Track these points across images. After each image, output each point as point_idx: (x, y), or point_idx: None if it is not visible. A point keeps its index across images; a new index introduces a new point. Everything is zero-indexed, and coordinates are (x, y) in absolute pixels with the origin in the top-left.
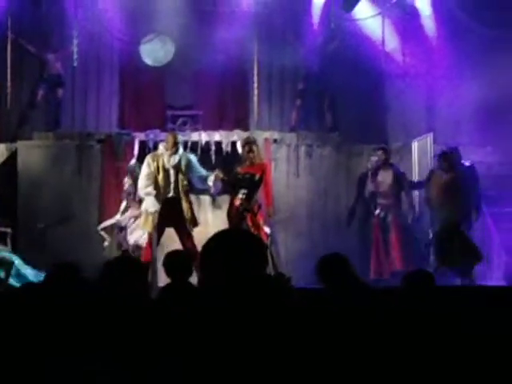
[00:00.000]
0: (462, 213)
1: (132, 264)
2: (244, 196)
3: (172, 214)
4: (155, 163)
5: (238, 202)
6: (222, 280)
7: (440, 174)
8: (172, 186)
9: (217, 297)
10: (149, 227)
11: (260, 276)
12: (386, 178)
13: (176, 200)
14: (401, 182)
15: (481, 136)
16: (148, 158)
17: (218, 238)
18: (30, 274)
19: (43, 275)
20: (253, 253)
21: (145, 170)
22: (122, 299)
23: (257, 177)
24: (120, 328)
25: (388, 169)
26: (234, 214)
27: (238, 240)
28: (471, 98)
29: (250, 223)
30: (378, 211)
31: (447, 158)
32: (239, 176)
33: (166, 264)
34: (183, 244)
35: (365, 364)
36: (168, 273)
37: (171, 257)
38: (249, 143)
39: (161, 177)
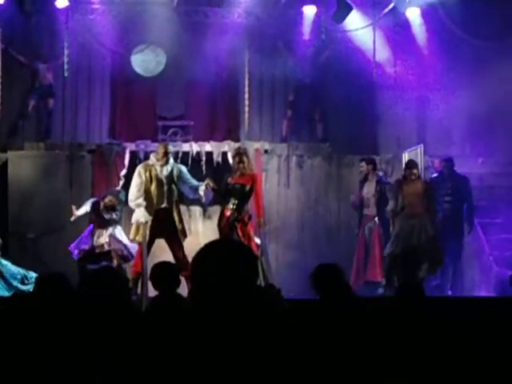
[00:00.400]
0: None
1: (110, 276)
2: (234, 206)
3: (164, 225)
4: (147, 173)
5: (228, 213)
6: (213, 291)
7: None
8: (165, 196)
9: (207, 307)
10: (139, 238)
11: (250, 287)
12: (370, 189)
13: (168, 211)
14: (385, 193)
15: (472, 147)
16: (139, 168)
17: (208, 249)
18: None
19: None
20: (243, 263)
21: (136, 180)
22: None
23: (247, 187)
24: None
25: (372, 180)
26: (224, 225)
27: (228, 250)
28: (462, 110)
29: (240, 234)
30: (367, 222)
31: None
32: (229, 186)
33: (152, 276)
34: (174, 254)
35: (356, 372)
36: (155, 285)
37: (157, 269)
38: (239, 154)
39: (154, 187)
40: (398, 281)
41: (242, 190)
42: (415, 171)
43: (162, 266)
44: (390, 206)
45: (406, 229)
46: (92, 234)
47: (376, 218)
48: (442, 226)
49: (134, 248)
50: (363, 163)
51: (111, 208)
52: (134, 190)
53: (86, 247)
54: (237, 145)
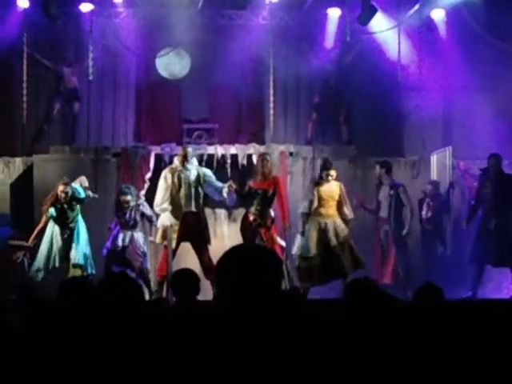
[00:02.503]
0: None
1: (124, 283)
2: (257, 212)
3: (191, 229)
4: (175, 178)
5: (251, 217)
6: (237, 295)
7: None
8: (193, 199)
9: (231, 311)
10: (164, 241)
11: (275, 291)
12: (384, 192)
13: (196, 214)
14: (398, 196)
15: (498, 149)
16: (165, 173)
17: (232, 253)
18: None
19: None
20: (268, 267)
21: (162, 185)
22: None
23: (269, 193)
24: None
25: (386, 183)
26: (247, 229)
27: (252, 254)
28: (488, 111)
29: (264, 238)
30: (382, 225)
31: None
32: (252, 191)
33: (172, 284)
34: (200, 258)
35: (383, 375)
36: (174, 292)
37: (177, 276)
38: (262, 158)
39: (182, 191)
40: (317, 282)
41: (265, 196)
42: (332, 172)
43: (182, 272)
44: (302, 207)
45: (319, 230)
46: (117, 234)
47: (390, 222)
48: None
49: (148, 261)
50: (377, 167)
51: (126, 204)
52: (160, 194)
53: (109, 247)
54: (262, 147)
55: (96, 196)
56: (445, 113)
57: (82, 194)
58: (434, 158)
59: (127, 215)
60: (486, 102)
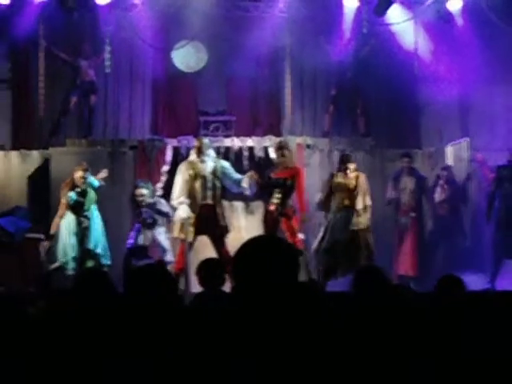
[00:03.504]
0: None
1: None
2: (278, 201)
3: (207, 222)
4: (191, 171)
5: (272, 207)
6: (254, 287)
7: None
8: (210, 192)
9: (249, 304)
10: (183, 235)
11: (292, 283)
12: (408, 184)
13: (212, 207)
14: (423, 187)
15: None
16: (181, 167)
17: (249, 245)
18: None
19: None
20: (285, 260)
21: (178, 179)
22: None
23: (289, 181)
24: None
25: (410, 175)
26: (268, 220)
27: (270, 247)
28: (505, 102)
29: (284, 228)
30: (401, 218)
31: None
32: (272, 181)
33: (199, 273)
34: (218, 251)
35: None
36: (201, 282)
37: (204, 266)
38: (280, 148)
39: (198, 184)
40: (324, 276)
41: (285, 184)
42: (351, 166)
43: (208, 262)
44: (317, 198)
45: (334, 222)
46: (138, 232)
47: (412, 213)
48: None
49: (171, 255)
50: (406, 159)
51: (141, 197)
52: (177, 188)
53: (129, 246)
54: (279, 140)
55: (101, 178)
56: (462, 104)
57: (96, 183)
58: (450, 150)
59: (144, 214)
60: (503, 93)
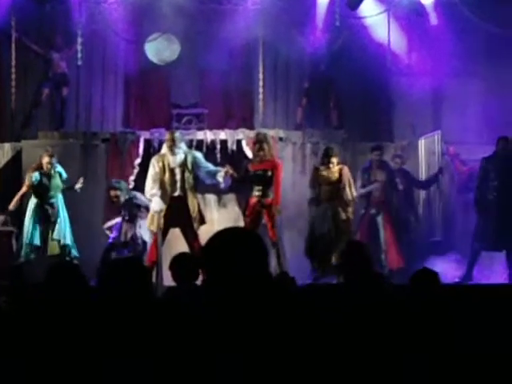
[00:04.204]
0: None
1: (133, 267)
2: (260, 193)
3: (178, 214)
4: (160, 163)
5: (254, 200)
6: (224, 279)
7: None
8: (178, 184)
9: (218, 297)
10: (154, 227)
11: (261, 275)
12: (378, 176)
13: (182, 199)
14: (393, 180)
15: (488, 133)
16: (153, 160)
17: (217, 238)
18: None
19: None
20: (253, 251)
21: (150, 172)
22: (124, 301)
23: (269, 173)
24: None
25: (381, 168)
26: (249, 213)
27: (238, 239)
28: (478, 96)
29: (266, 220)
30: (371, 210)
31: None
32: (251, 173)
33: (172, 268)
34: (189, 244)
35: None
36: (174, 276)
37: (177, 260)
38: (259, 141)
39: (166, 176)
40: (318, 268)
41: (265, 176)
42: (334, 160)
43: (181, 257)
44: (309, 194)
45: (319, 215)
46: (120, 228)
47: (383, 205)
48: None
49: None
50: (377, 151)
51: (116, 198)
52: (149, 180)
53: (111, 239)
54: (251, 133)
55: (79, 188)
56: (434, 97)
57: (64, 174)
58: (422, 143)
59: (122, 211)
60: (475, 86)
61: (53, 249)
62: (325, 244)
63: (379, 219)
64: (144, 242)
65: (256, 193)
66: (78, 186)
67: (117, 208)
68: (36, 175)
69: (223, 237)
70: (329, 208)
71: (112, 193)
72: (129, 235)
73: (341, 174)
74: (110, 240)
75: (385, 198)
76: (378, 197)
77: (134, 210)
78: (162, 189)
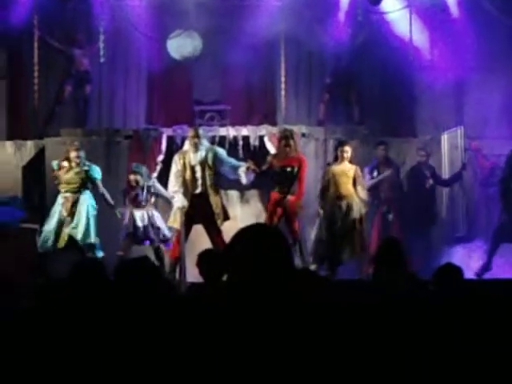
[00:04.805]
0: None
1: (144, 267)
2: (285, 189)
3: (200, 211)
4: (181, 161)
5: (277, 196)
6: (247, 276)
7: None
8: (199, 182)
9: (241, 293)
10: (177, 224)
11: (285, 271)
12: (384, 173)
13: (203, 196)
14: (399, 176)
15: (510, 129)
16: (175, 157)
17: (241, 235)
18: None
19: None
20: (276, 247)
21: (173, 169)
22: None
23: (295, 169)
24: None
25: (386, 164)
26: (273, 208)
27: (261, 235)
28: (500, 91)
29: (289, 215)
30: (382, 207)
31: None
32: (276, 169)
33: (199, 264)
34: (212, 240)
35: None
36: (201, 273)
37: (204, 256)
38: (286, 137)
39: (188, 174)
40: (327, 264)
41: (291, 173)
42: (347, 148)
43: (209, 253)
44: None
45: (332, 210)
46: (132, 215)
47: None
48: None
49: (167, 231)
50: (382, 147)
51: (135, 183)
52: (172, 178)
53: (130, 229)
54: (274, 129)
55: (118, 213)
56: (457, 92)
57: (98, 176)
58: (445, 138)
59: (140, 196)
60: (497, 81)
61: (61, 242)
62: (335, 242)
63: (390, 217)
64: (158, 228)
65: (280, 189)
66: (117, 212)
67: (135, 195)
68: (55, 164)
69: (246, 234)
70: (343, 205)
71: (132, 177)
72: (146, 221)
73: (355, 172)
74: (125, 234)
75: (393, 195)
76: (387, 194)
77: (150, 197)
78: (184, 186)
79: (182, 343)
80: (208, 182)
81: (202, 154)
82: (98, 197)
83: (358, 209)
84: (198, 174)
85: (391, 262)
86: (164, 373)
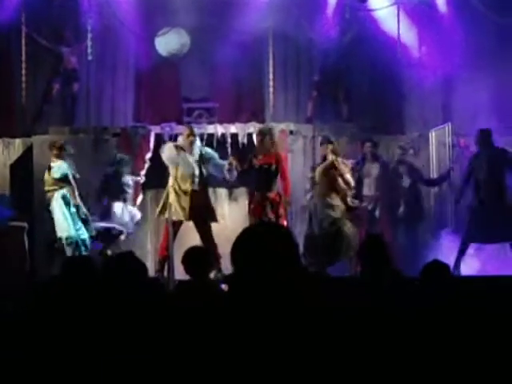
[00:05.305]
0: None
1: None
2: (264, 186)
3: (194, 208)
4: (178, 153)
5: (258, 194)
6: (254, 274)
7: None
8: (196, 179)
9: (247, 291)
10: (166, 215)
11: (292, 268)
12: (371, 170)
13: (198, 193)
14: (387, 173)
15: (498, 126)
16: (170, 145)
17: (246, 233)
18: None
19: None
20: (284, 246)
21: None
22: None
23: (273, 167)
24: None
25: (374, 161)
26: (254, 207)
27: (268, 233)
28: (488, 88)
29: (271, 214)
30: (364, 203)
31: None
32: (256, 167)
33: (185, 261)
34: (202, 237)
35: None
36: (187, 270)
37: (190, 253)
38: (260, 134)
39: (183, 170)
40: (319, 262)
41: (269, 170)
42: (330, 146)
43: (194, 250)
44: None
45: (315, 209)
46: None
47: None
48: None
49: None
50: (369, 143)
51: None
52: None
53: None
54: (262, 126)
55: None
56: (445, 89)
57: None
58: (433, 135)
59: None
60: (486, 78)
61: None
62: (324, 241)
63: (376, 214)
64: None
65: (259, 187)
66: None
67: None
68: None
69: (252, 232)
70: (320, 204)
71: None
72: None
73: (334, 166)
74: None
75: (380, 192)
76: (373, 191)
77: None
78: (176, 181)
79: (176, 340)
80: (203, 180)
81: (196, 151)
82: None
83: (331, 210)
84: (196, 172)
85: (375, 259)
86: (159, 370)
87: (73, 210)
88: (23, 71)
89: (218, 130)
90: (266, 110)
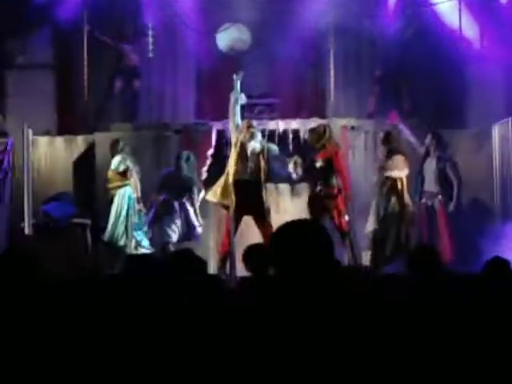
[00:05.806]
0: None
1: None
2: (322, 182)
3: (250, 203)
4: (238, 149)
5: (317, 189)
6: (289, 271)
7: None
8: (253, 173)
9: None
10: (214, 198)
11: (326, 266)
12: (429, 165)
13: (255, 188)
14: (446, 170)
15: None
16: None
17: (282, 230)
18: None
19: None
20: (319, 242)
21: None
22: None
23: (330, 161)
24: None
25: (433, 156)
26: (313, 203)
27: (301, 229)
28: None
29: (332, 210)
30: (423, 199)
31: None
32: (314, 163)
33: (245, 258)
34: (262, 232)
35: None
36: (247, 267)
37: (250, 251)
38: (311, 131)
39: (241, 164)
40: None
41: (327, 165)
42: (393, 145)
43: (254, 247)
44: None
45: (382, 207)
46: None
47: (439, 196)
48: None
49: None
50: (429, 136)
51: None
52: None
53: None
54: (323, 121)
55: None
56: (507, 83)
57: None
58: (495, 129)
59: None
60: None
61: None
62: (384, 234)
63: (434, 209)
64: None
65: (318, 182)
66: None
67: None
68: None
69: (287, 229)
70: (392, 200)
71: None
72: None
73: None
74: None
75: (437, 188)
76: (430, 187)
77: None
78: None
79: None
80: (262, 175)
81: (257, 145)
82: None
83: (402, 200)
84: (253, 166)
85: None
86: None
87: (133, 207)
88: (85, 69)
89: (279, 125)
90: (328, 105)
